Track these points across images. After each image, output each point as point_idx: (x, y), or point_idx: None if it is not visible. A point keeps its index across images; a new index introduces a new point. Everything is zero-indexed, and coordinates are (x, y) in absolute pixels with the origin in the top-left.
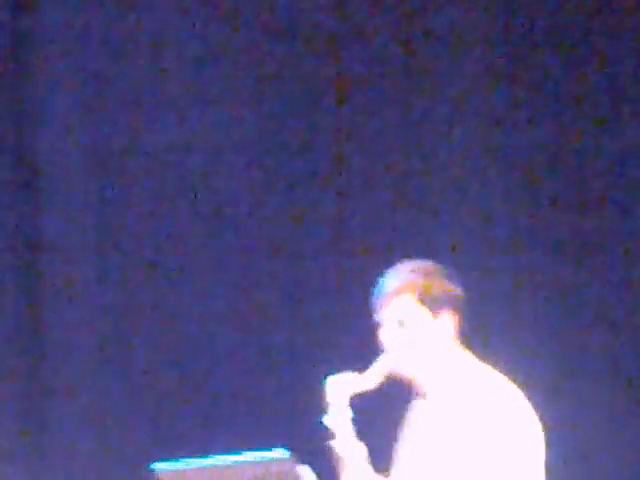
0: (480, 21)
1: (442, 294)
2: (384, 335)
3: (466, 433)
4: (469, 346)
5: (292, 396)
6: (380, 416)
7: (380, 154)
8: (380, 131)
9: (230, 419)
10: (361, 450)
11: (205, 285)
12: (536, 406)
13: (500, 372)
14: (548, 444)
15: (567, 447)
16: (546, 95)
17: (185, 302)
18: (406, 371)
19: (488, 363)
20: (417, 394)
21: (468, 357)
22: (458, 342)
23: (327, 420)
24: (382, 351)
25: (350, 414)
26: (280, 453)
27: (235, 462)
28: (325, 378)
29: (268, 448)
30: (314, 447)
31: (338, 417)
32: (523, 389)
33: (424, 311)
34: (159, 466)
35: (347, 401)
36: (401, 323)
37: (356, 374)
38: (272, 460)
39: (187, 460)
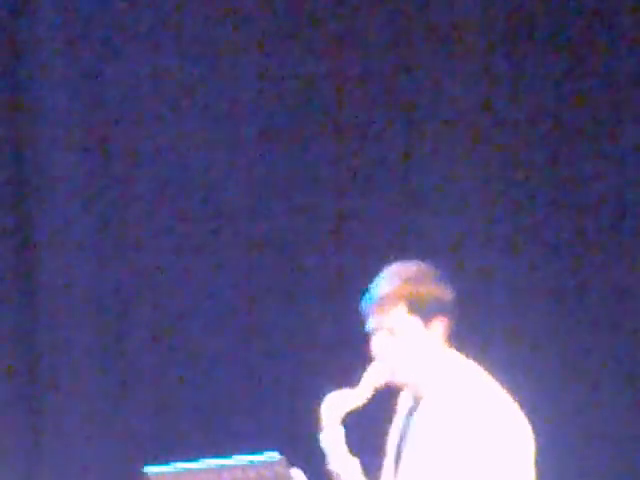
0: (480, 21)
1: (432, 301)
2: (375, 344)
3: (459, 437)
4: (466, 346)
5: (285, 400)
6: (369, 425)
7: (380, 154)
8: (380, 131)
9: (223, 423)
10: (355, 465)
11: (204, 285)
12: (534, 405)
13: (499, 372)
14: (547, 444)
15: (567, 446)
16: (546, 95)
17: (183, 304)
18: (398, 379)
19: (487, 363)
20: (407, 393)
21: (460, 360)
22: (448, 345)
23: (322, 439)
24: (373, 359)
25: (342, 431)
26: (272, 456)
27: (227, 465)
28: (319, 383)
29: (260, 451)
30: (307, 450)
31: (332, 436)
32: (522, 389)
33: (415, 320)
34: (151, 469)
35: (340, 419)
36: (392, 332)
37: (348, 391)
38: (264, 463)
39: (179, 463)
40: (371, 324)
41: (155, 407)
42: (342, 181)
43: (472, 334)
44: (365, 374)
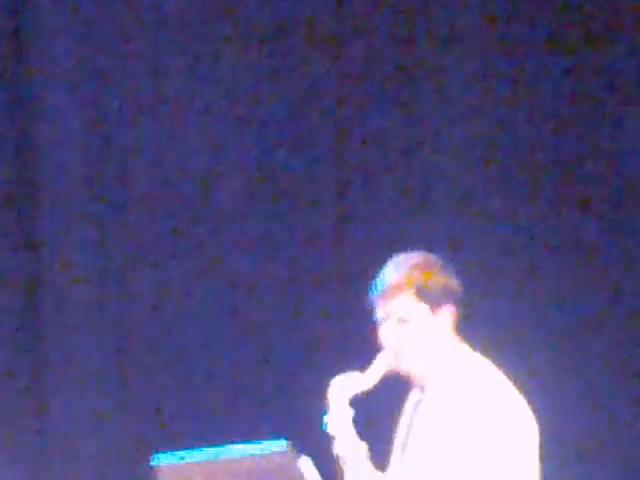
0: (480, 21)
1: (440, 289)
2: (384, 332)
3: (464, 429)
4: (468, 340)
5: (292, 388)
6: (379, 412)
7: (380, 154)
8: (380, 131)
9: (230, 411)
10: (362, 448)
11: (204, 283)
12: (535, 404)
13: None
14: (548, 443)
15: (567, 446)
16: (546, 95)
17: (184, 300)
18: (406, 367)
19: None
20: (417, 389)
21: (466, 350)
22: (456, 334)
23: (328, 423)
24: (381, 348)
25: (351, 413)
26: (280, 444)
27: (235, 454)
28: (326, 370)
29: (268, 440)
30: (314, 438)
31: (339, 418)
32: (523, 388)
33: (423, 307)
34: (158, 459)
35: (348, 401)
36: (401, 320)
37: (357, 373)
38: (272, 451)
39: (187, 452)
40: (379, 313)
41: (162, 396)
42: (342, 181)
43: (472, 334)
44: (374, 361)
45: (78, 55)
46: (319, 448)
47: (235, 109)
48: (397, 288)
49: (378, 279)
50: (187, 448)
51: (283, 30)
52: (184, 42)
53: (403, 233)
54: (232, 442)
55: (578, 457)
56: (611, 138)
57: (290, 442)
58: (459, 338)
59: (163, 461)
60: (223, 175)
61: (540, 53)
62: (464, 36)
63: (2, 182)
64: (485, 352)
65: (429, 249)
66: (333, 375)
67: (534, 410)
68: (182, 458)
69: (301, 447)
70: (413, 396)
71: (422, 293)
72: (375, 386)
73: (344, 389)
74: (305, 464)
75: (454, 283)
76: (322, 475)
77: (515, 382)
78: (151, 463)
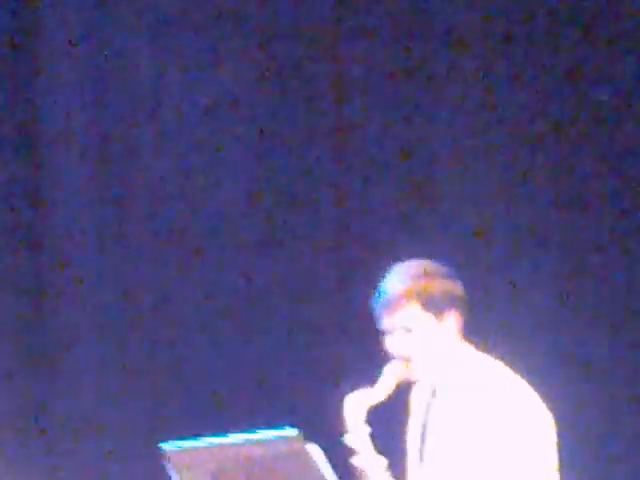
0: (480, 21)
1: (444, 296)
2: (391, 343)
3: (483, 429)
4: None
5: (301, 375)
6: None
7: (380, 154)
8: (380, 131)
9: (240, 398)
10: (381, 462)
11: (205, 282)
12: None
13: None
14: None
15: (567, 446)
16: (546, 95)
17: (185, 300)
18: (417, 376)
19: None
20: (419, 389)
21: (474, 353)
22: (462, 338)
23: (347, 439)
24: (389, 358)
25: (368, 430)
26: (289, 432)
27: (244, 441)
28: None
29: (277, 427)
30: (323, 426)
31: (357, 435)
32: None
33: (429, 316)
34: (168, 445)
35: (364, 417)
36: (407, 330)
37: (368, 389)
38: (281, 438)
39: (196, 439)
40: (385, 324)
41: (171, 383)
42: (342, 181)
43: (472, 334)
44: (383, 372)
45: (80, 56)
46: (328, 437)
47: (235, 109)
48: (402, 299)
49: (381, 289)
50: (199, 435)
51: (283, 30)
52: (184, 42)
53: (403, 233)
54: (241, 430)
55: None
56: (611, 138)
57: (299, 430)
58: (465, 341)
59: (171, 447)
60: (223, 175)
61: (540, 53)
62: (464, 36)
63: (3, 182)
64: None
65: (429, 249)
66: (335, 372)
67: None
68: (191, 444)
69: (310, 436)
70: (419, 398)
71: (427, 302)
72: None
73: (358, 406)
74: (314, 450)
75: (457, 289)
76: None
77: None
78: (160, 448)
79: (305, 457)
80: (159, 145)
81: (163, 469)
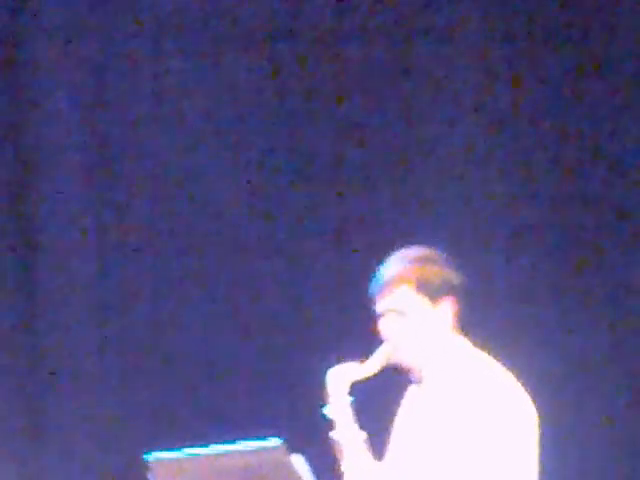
0: (480, 21)
1: (440, 282)
2: (384, 325)
3: (462, 420)
4: (468, 334)
5: (286, 386)
6: (379, 403)
7: (380, 154)
8: (380, 131)
9: (223, 409)
10: (361, 437)
11: (204, 283)
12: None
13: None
14: (548, 442)
15: (566, 446)
16: (546, 95)
17: (183, 301)
18: (406, 360)
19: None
20: (414, 381)
21: (466, 345)
22: (457, 329)
23: (327, 409)
24: (382, 341)
25: (350, 401)
26: (273, 442)
27: (228, 451)
28: (323, 368)
29: (261, 438)
30: (308, 436)
31: (338, 405)
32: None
33: (423, 300)
34: (152, 456)
35: (347, 389)
36: (401, 313)
37: (356, 363)
38: (265, 449)
39: (180, 450)
40: (380, 306)
41: (155, 396)
42: (342, 181)
43: (471, 334)
44: (374, 353)
45: (78, 55)
46: (313, 448)
47: (235, 109)
48: (396, 281)
49: (378, 273)
50: (182, 445)
51: (283, 30)
52: (184, 42)
53: (403, 233)
54: (225, 440)
55: (578, 454)
56: (611, 138)
57: (283, 441)
58: (460, 332)
59: (155, 457)
60: (223, 175)
61: (540, 53)
62: (464, 36)
63: (2, 182)
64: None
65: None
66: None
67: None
68: (174, 454)
69: (295, 447)
70: (411, 390)
71: (422, 285)
72: (376, 380)
73: (343, 377)
74: (298, 461)
75: (455, 276)
76: (315, 474)
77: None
78: (144, 459)
79: (289, 468)
80: (159, 145)
81: None
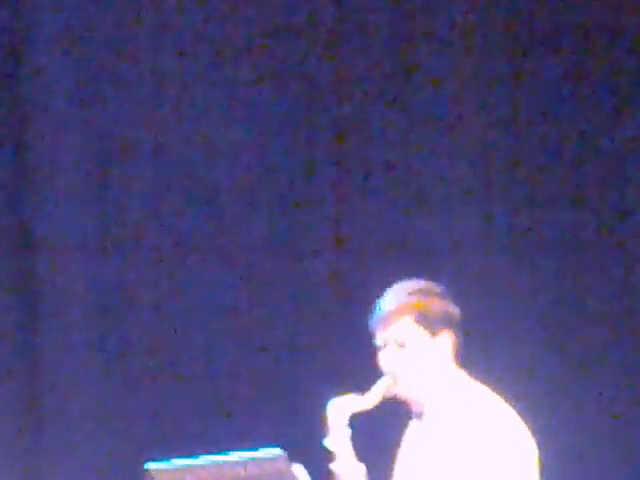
0: (480, 21)
1: (440, 314)
2: (384, 357)
3: (464, 457)
4: (466, 346)
5: (287, 396)
6: (379, 436)
7: (380, 154)
8: (380, 131)
9: (224, 419)
10: (360, 470)
11: (205, 284)
12: (536, 408)
13: (498, 373)
14: (548, 446)
15: (567, 451)
16: (546, 95)
17: (183, 302)
18: (406, 392)
19: (487, 364)
20: (415, 414)
21: (466, 378)
22: (456, 362)
23: (327, 441)
24: (382, 373)
25: (349, 433)
26: (274, 452)
27: (229, 461)
28: (325, 377)
29: (262, 448)
30: (308, 446)
31: (338, 437)
32: (522, 390)
33: (422, 332)
34: (152, 465)
35: (346, 421)
36: (400, 345)
37: (356, 395)
38: (266, 459)
39: (180, 459)
40: (379, 339)
41: (156, 404)
42: (342, 181)
43: (472, 334)
44: (375, 385)
45: (77, 56)
46: (314, 460)
47: (235, 109)
48: (396, 313)
49: (377, 305)
50: (184, 454)
51: (283, 30)
52: (184, 42)
53: (403, 233)
54: (226, 450)
55: (579, 459)
56: (611, 138)
57: (284, 451)
58: (458, 365)
59: (155, 467)
60: (223, 175)
61: (540, 53)
62: (464, 36)
63: (1, 182)
64: (484, 351)
65: (429, 249)
66: (332, 381)
67: (531, 413)
68: (175, 464)
69: (296, 458)
70: (412, 426)
71: (421, 318)
72: (377, 413)
73: (342, 409)
74: (299, 471)
75: (453, 309)
76: None
77: (514, 383)
78: (144, 468)
79: (289, 476)
80: (158, 145)
81: None
